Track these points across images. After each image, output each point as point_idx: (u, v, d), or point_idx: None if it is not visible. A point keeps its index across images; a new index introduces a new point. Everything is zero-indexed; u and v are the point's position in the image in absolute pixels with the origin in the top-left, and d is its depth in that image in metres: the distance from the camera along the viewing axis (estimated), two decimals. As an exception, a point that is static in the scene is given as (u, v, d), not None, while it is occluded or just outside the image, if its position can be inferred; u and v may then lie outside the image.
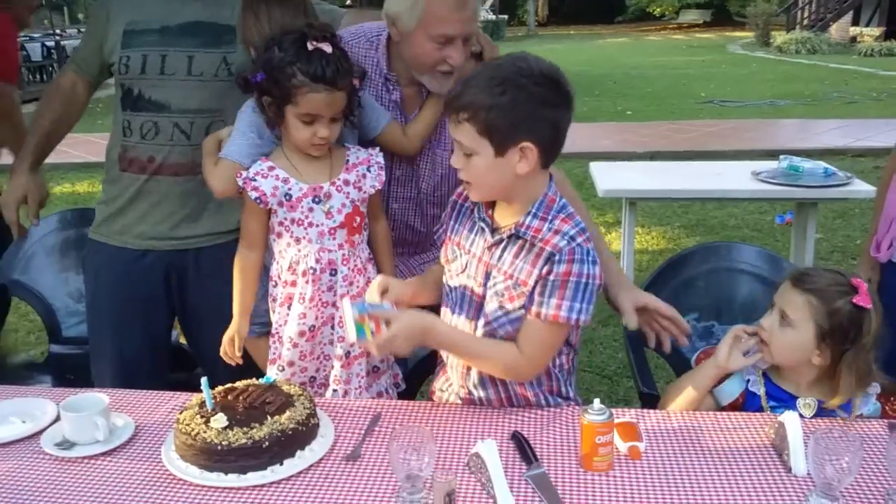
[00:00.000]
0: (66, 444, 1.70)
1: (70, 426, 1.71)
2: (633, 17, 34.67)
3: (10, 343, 4.09)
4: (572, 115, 1.70)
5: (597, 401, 1.59)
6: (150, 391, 1.97)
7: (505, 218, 1.75)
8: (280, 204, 1.96)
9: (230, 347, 2.07)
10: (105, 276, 2.35)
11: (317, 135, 1.91)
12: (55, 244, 2.95)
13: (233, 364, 2.08)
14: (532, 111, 1.62)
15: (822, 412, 1.81)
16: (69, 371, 2.74)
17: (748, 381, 1.89)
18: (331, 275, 1.99)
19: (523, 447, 1.63)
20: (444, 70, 2.04)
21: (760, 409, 1.86)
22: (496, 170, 1.65)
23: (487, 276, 1.76)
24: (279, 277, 2.03)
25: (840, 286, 1.79)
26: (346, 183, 1.99)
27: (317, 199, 1.97)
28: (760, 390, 1.87)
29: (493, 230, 1.76)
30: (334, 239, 1.99)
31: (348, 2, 5.61)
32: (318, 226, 1.97)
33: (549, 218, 1.70)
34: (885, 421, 1.76)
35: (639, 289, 2.08)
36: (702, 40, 25.04)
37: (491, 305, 1.75)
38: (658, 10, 33.48)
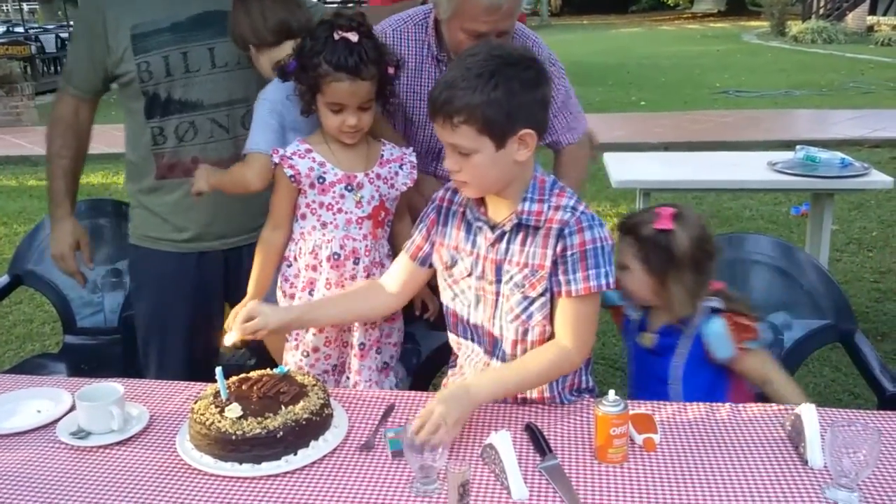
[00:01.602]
0: (81, 434, 1.71)
1: (85, 415, 1.72)
2: (646, 6, 34.45)
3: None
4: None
5: (611, 392, 1.58)
6: (164, 381, 1.98)
7: (500, 212, 1.74)
8: (312, 186, 1.98)
9: (232, 320, 1.95)
10: (168, 286, 2.32)
11: (346, 123, 1.93)
12: (69, 235, 2.95)
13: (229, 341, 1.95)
14: (526, 98, 1.61)
15: (666, 335, 1.97)
16: (84, 361, 2.76)
17: (625, 303, 2.05)
18: (354, 263, 2.01)
19: (537, 438, 1.63)
20: None
21: (631, 332, 2.05)
22: (497, 163, 1.64)
23: (498, 271, 1.75)
24: (296, 259, 2.05)
25: (646, 217, 1.93)
26: (378, 177, 2.02)
27: (349, 188, 1.99)
28: (636, 315, 2.04)
29: (493, 226, 1.74)
30: (360, 228, 2.00)
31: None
32: (346, 213, 1.99)
33: (546, 198, 1.70)
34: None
35: None
36: (716, 30, 24.84)
37: (514, 299, 1.74)
38: (672, -1, 33.29)
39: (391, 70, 1.95)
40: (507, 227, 1.72)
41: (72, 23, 21.59)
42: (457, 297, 1.84)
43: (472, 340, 1.85)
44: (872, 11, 21.88)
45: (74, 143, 2.35)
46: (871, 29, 20.64)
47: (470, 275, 1.79)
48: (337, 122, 1.93)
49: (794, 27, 20.19)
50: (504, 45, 1.73)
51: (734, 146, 7.73)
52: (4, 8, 32.44)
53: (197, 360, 2.31)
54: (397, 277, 1.91)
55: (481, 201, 1.77)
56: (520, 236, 1.72)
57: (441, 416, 1.54)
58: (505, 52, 1.64)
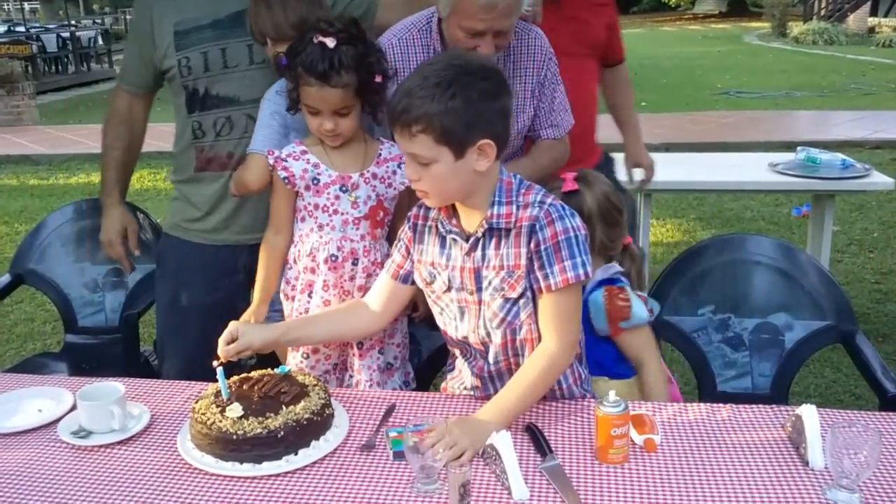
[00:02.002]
0: (82, 433, 1.71)
1: (86, 415, 1.72)
2: (648, 7, 34.40)
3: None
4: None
5: (612, 392, 1.58)
6: (165, 380, 1.99)
7: (471, 221, 1.73)
8: (307, 188, 1.98)
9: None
10: (188, 274, 2.36)
11: (322, 126, 1.92)
12: (71, 234, 2.96)
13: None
14: (484, 108, 1.60)
15: None
16: (84, 361, 2.76)
17: None
18: (353, 264, 2.00)
19: (538, 439, 1.63)
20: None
21: None
22: (457, 173, 1.63)
23: (478, 279, 1.74)
24: (295, 262, 2.05)
25: (555, 185, 2.03)
26: (374, 176, 2.01)
27: (344, 188, 1.98)
28: None
29: (467, 237, 1.73)
30: (357, 229, 2.00)
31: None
32: (342, 214, 1.99)
33: (513, 199, 1.69)
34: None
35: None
36: (717, 31, 24.82)
37: (495, 303, 1.73)
38: (673, 0, 33.24)
39: (377, 79, 1.92)
40: (480, 234, 1.71)
41: (73, 22, 21.63)
42: (443, 311, 1.83)
43: (465, 350, 1.85)
44: (874, 13, 21.87)
45: (127, 135, 2.46)
46: (872, 30, 20.63)
47: (449, 289, 1.78)
48: (314, 124, 1.94)
49: (796, 28, 20.18)
50: (464, 54, 1.72)
51: (735, 147, 7.72)
52: (6, 7, 32.46)
53: (212, 351, 2.32)
54: (380, 297, 1.90)
55: (453, 213, 1.76)
56: (493, 241, 1.71)
57: (463, 444, 1.55)
58: (464, 62, 1.63)
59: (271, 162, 1.97)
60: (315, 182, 1.97)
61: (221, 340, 1.79)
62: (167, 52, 2.23)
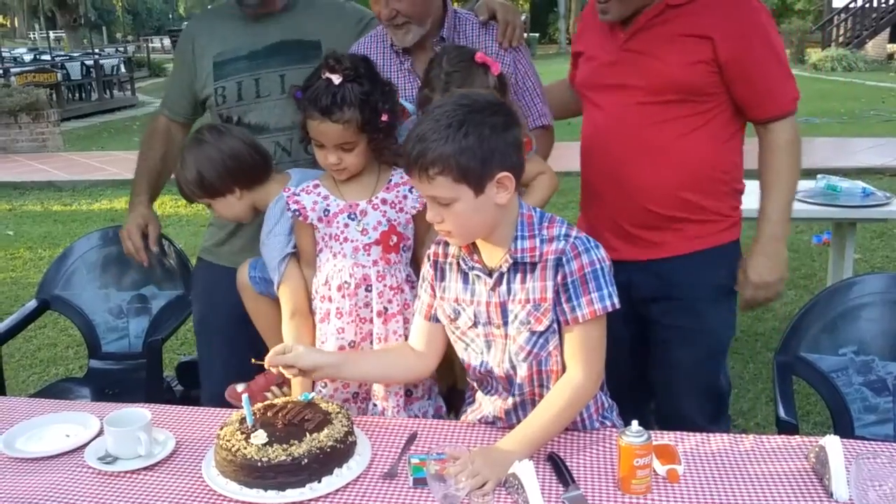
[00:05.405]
0: (108, 459, 1.73)
1: (113, 440, 1.74)
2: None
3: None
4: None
5: (635, 423, 1.58)
6: (190, 407, 2.00)
7: (493, 256, 1.74)
8: (319, 220, 2.01)
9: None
10: (217, 296, 2.42)
11: (326, 159, 1.96)
12: (96, 260, 3.00)
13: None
14: (497, 142, 1.62)
15: None
16: (108, 386, 2.79)
17: None
18: (366, 290, 2.02)
19: (560, 469, 1.63)
20: (389, 25, 2.18)
21: None
22: (479, 209, 1.64)
23: (504, 313, 1.75)
24: (317, 292, 2.08)
25: None
26: (384, 202, 2.03)
27: (352, 216, 2.01)
28: None
29: (490, 272, 1.75)
30: (368, 255, 2.02)
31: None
32: (352, 241, 2.01)
33: (536, 233, 1.71)
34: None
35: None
36: (735, 58, 24.82)
37: (521, 337, 1.74)
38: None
39: (384, 117, 1.94)
40: (504, 269, 1.72)
41: (97, 50, 21.97)
42: (469, 346, 1.84)
43: (488, 382, 1.86)
44: (893, 39, 21.80)
45: (162, 147, 2.52)
46: (891, 57, 20.58)
47: (475, 324, 1.79)
48: (320, 156, 1.98)
49: (814, 55, 20.16)
50: (470, 93, 1.74)
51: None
52: (32, 36, 33.05)
53: (242, 374, 2.35)
54: (420, 339, 1.91)
55: (474, 249, 1.77)
56: (518, 275, 1.72)
57: (486, 475, 1.54)
58: (471, 100, 1.66)
59: (286, 196, 2.02)
60: (325, 213, 2.01)
61: (275, 348, 1.81)
62: (206, 81, 2.34)
